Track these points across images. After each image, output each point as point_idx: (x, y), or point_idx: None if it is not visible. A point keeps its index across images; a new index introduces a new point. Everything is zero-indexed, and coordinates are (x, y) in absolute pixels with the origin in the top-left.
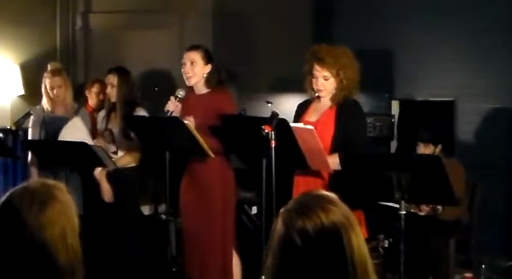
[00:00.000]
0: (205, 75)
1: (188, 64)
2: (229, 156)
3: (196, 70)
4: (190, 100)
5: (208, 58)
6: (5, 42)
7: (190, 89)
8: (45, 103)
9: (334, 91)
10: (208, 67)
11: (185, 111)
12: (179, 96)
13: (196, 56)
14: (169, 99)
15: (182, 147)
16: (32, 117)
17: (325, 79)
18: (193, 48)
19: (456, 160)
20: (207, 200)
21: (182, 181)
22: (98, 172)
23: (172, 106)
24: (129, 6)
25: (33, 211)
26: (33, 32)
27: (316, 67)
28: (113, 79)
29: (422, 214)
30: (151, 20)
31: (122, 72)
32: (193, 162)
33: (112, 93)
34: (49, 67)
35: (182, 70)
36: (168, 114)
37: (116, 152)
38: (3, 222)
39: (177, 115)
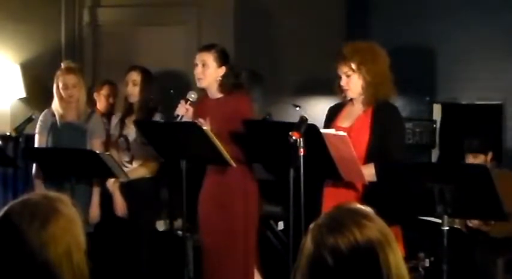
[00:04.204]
0: (218, 79)
1: (200, 65)
2: (252, 166)
3: (207, 73)
4: (205, 104)
5: (222, 60)
6: (5, 39)
7: (205, 92)
8: (56, 105)
9: (361, 91)
10: (222, 70)
11: (200, 116)
12: (190, 99)
13: (208, 58)
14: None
15: (200, 155)
16: (39, 121)
17: (347, 76)
18: (206, 48)
19: (510, 171)
20: (227, 216)
21: (200, 194)
22: (111, 183)
23: (183, 110)
24: None
25: (34, 227)
26: (36, 27)
27: (338, 64)
28: (136, 77)
29: (470, 225)
30: (166, 14)
31: (146, 71)
32: (212, 172)
33: (134, 91)
34: (63, 65)
35: (194, 71)
36: (178, 119)
37: (130, 162)
38: (1, 240)
39: (188, 120)
